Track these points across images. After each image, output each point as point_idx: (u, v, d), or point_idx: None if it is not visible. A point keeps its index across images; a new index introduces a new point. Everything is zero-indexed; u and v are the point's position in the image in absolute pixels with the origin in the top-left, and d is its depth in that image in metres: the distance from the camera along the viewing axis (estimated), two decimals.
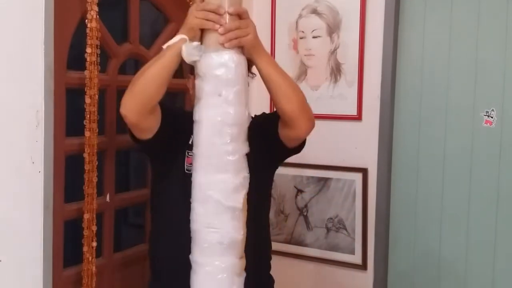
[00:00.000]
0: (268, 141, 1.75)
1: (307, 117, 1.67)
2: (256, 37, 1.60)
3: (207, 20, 1.54)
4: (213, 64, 1.56)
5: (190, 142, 1.74)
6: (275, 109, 1.75)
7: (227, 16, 1.55)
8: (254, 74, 1.79)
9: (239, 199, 1.61)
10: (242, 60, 1.59)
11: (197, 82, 1.60)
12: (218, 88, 1.56)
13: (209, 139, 1.58)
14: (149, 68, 1.58)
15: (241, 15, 1.58)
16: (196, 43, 1.55)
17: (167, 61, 1.57)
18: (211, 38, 1.56)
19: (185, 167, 1.77)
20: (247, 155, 1.64)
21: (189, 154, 1.73)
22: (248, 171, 1.63)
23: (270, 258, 2.00)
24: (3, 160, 1.60)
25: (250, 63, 1.67)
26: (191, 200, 1.62)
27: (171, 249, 1.77)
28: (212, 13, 1.54)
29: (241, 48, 1.59)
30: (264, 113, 1.98)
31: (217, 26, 1.54)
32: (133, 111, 1.58)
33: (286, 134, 1.72)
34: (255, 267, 1.73)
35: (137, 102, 1.58)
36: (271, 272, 2.05)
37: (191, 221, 1.61)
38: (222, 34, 1.54)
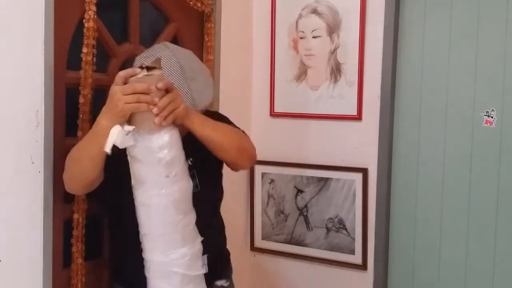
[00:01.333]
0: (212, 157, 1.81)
1: (246, 158, 1.86)
2: (185, 106, 1.61)
3: (139, 103, 1.52)
4: (154, 148, 1.56)
5: None
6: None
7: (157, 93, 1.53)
8: None
9: (201, 264, 1.70)
10: (177, 133, 1.62)
11: (135, 165, 1.59)
12: (165, 171, 1.58)
13: (163, 220, 1.62)
14: (80, 158, 1.62)
15: (168, 88, 1.57)
16: (128, 128, 1.53)
17: (96, 153, 1.57)
18: (144, 120, 1.54)
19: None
20: (199, 167, 1.79)
21: None
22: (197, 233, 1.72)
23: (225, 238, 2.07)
24: (3, 160, 1.60)
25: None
26: (148, 276, 1.68)
27: (130, 239, 1.77)
28: (143, 95, 1.52)
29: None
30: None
31: (151, 106, 1.53)
32: (78, 192, 1.76)
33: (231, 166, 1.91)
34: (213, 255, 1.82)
35: (78, 186, 1.70)
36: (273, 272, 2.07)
37: None
38: (157, 114, 1.53)
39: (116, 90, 1.53)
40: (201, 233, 1.74)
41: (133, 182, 1.63)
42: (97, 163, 1.61)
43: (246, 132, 1.96)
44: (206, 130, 1.70)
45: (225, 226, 2.06)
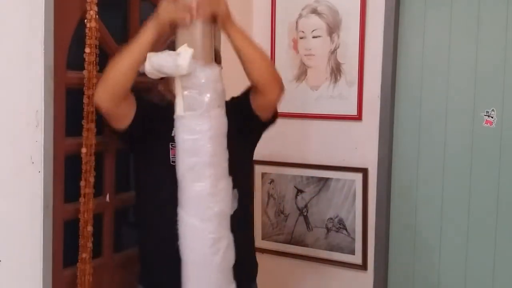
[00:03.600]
0: (243, 117, 1.83)
1: (277, 82, 1.80)
2: (227, 9, 1.70)
3: (181, 14, 1.65)
4: (212, 77, 1.66)
5: (172, 134, 1.77)
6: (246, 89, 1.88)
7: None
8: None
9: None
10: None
11: (188, 93, 1.65)
12: (218, 101, 1.67)
13: (217, 148, 1.68)
14: (120, 62, 1.70)
15: None
16: (190, 51, 1.62)
17: (135, 59, 1.68)
18: (201, 52, 1.66)
19: (170, 159, 1.81)
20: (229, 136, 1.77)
21: (173, 146, 1.78)
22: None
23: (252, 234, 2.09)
24: (3, 160, 1.60)
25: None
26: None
27: (159, 240, 1.82)
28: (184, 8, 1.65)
29: (215, 22, 1.69)
30: (233, 97, 1.99)
31: (188, 17, 1.64)
32: (104, 98, 1.71)
33: (259, 103, 1.84)
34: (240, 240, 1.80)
35: (107, 90, 1.70)
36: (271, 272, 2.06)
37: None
38: (194, 7, 1.63)
39: (162, 3, 1.69)
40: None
41: (181, 113, 1.66)
42: (133, 70, 1.69)
43: None
44: (244, 41, 1.74)
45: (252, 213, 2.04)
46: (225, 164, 1.71)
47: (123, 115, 1.76)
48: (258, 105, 1.84)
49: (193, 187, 1.67)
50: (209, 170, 1.66)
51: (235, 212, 1.75)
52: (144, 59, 1.68)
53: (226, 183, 1.71)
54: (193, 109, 1.65)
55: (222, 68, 1.92)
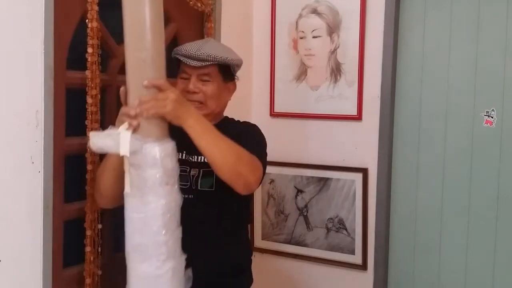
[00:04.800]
0: None
1: (240, 185, 1.68)
2: (175, 108, 1.57)
3: (121, 121, 1.58)
4: (159, 155, 1.56)
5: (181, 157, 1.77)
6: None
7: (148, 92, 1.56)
8: (237, 76, 1.90)
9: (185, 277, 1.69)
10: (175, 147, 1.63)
11: (135, 172, 1.58)
12: (166, 178, 1.58)
13: (165, 227, 1.60)
14: (103, 170, 1.73)
15: (160, 87, 1.57)
16: (135, 136, 1.55)
17: (115, 161, 1.65)
18: (150, 127, 1.57)
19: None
20: None
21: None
22: None
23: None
24: (3, 160, 1.60)
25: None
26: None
27: None
28: (124, 115, 1.58)
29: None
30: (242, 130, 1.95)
31: (137, 111, 1.56)
32: (104, 203, 1.81)
33: None
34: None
35: (102, 197, 1.78)
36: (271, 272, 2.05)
37: None
38: (138, 106, 1.55)
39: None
40: (207, 236, 1.74)
41: (128, 190, 1.60)
42: (116, 171, 1.67)
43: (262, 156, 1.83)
44: (201, 139, 1.62)
45: (246, 240, 2.02)
46: (175, 244, 1.63)
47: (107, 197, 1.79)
48: None
49: (139, 268, 1.61)
50: (155, 250, 1.58)
51: (213, 235, 1.77)
52: (120, 162, 1.63)
53: (175, 263, 1.62)
54: (138, 187, 1.58)
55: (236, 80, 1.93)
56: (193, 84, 1.83)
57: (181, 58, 1.83)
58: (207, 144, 1.63)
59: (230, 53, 1.91)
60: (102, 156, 1.88)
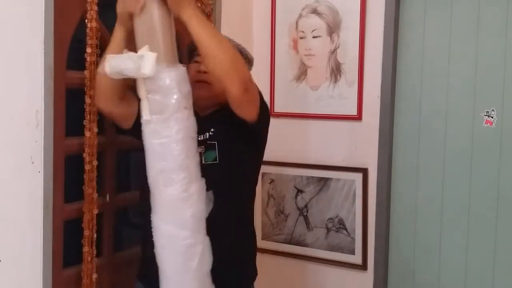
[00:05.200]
0: (233, 122, 1.75)
1: (236, 77, 1.62)
2: None
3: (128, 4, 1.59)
4: (177, 79, 1.58)
5: None
6: None
7: None
8: None
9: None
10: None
11: (153, 97, 1.59)
12: (184, 102, 1.61)
13: (186, 151, 1.62)
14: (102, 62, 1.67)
15: None
16: (154, 56, 1.56)
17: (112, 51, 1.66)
18: (165, 53, 1.58)
19: None
20: (221, 140, 1.75)
21: None
22: None
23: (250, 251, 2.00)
24: (3, 160, 1.60)
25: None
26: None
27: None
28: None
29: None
30: None
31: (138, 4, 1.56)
32: (100, 101, 1.76)
33: (229, 102, 1.70)
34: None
35: (100, 93, 1.74)
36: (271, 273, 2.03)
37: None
38: None
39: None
40: (212, 210, 1.71)
41: (148, 117, 1.61)
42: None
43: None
44: (200, 29, 1.58)
45: (250, 218, 2.00)
46: (196, 167, 1.66)
47: (125, 115, 1.78)
48: (231, 105, 1.71)
49: (164, 192, 1.63)
50: (179, 174, 1.62)
51: (217, 215, 1.73)
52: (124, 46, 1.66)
53: (198, 186, 1.66)
54: (159, 113, 1.60)
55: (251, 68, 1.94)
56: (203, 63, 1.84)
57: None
58: (205, 33, 1.60)
59: (243, 47, 1.94)
60: (100, 157, 1.89)
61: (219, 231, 1.77)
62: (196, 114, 1.70)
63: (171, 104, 1.58)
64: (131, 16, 1.62)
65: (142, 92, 1.61)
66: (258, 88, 1.81)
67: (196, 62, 1.87)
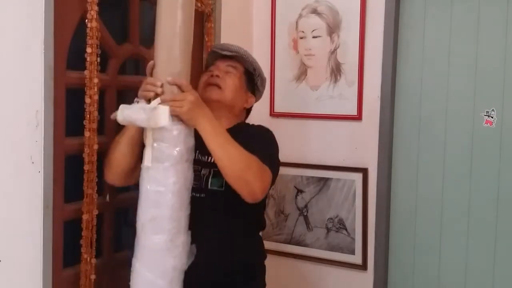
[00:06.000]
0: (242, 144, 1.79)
1: (245, 191, 1.70)
2: (191, 109, 1.66)
3: (146, 91, 1.69)
4: (185, 132, 1.68)
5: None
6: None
7: (167, 86, 1.68)
8: (259, 90, 2.07)
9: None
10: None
11: (159, 145, 1.66)
12: (186, 155, 1.69)
13: (180, 202, 1.68)
14: (118, 142, 1.79)
15: (180, 87, 1.67)
16: (168, 109, 1.65)
17: (132, 135, 1.76)
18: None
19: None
20: None
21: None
22: None
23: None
24: (2, 160, 1.60)
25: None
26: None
27: None
28: (149, 85, 1.69)
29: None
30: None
31: (151, 93, 1.67)
32: (113, 179, 1.86)
33: None
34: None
35: (114, 174, 1.83)
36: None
37: None
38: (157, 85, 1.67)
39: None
40: (212, 236, 1.75)
41: (149, 164, 1.67)
42: (132, 146, 1.75)
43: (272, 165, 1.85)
44: (211, 141, 1.68)
45: (258, 245, 1.99)
46: (186, 220, 1.71)
47: (135, 180, 1.82)
48: None
49: (152, 239, 1.67)
50: (169, 224, 1.66)
51: (220, 240, 1.79)
52: (138, 137, 1.73)
53: (184, 239, 1.71)
54: (160, 161, 1.66)
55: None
56: (217, 69, 1.92)
57: (216, 50, 1.95)
58: (216, 146, 1.68)
59: (259, 66, 2.04)
60: (100, 156, 1.89)
61: (224, 251, 1.79)
62: None
63: (174, 155, 1.65)
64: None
65: (148, 140, 1.68)
66: (273, 167, 1.86)
67: (210, 71, 1.94)
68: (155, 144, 1.66)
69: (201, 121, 1.67)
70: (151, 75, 1.73)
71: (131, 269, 1.73)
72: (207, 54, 2.03)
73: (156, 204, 1.67)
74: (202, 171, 1.84)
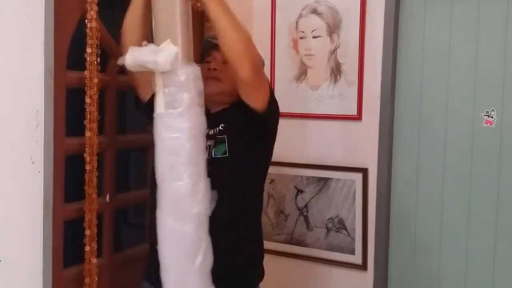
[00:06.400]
0: (243, 114, 1.80)
1: (247, 58, 1.68)
2: None
3: None
4: (193, 76, 1.63)
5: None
6: None
7: None
8: None
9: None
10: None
11: (169, 92, 1.62)
12: (199, 99, 1.65)
13: (197, 147, 1.64)
14: (125, 17, 1.76)
15: None
16: (176, 49, 1.60)
17: (138, 11, 1.73)
18: (183, 50, 1.62)
19: None
20: (231, 135, 1.77)
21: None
22: None
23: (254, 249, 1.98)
24: (3, 160, 1.60)
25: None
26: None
27: None
28: None
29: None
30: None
31: None
32: (126, 46, 1.73)
33: (238, 87, 1.77)
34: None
35: (125, 39, 1.76)
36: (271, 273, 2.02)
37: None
38: None
39: None
40: (218, 205, 1.71)
41: (162, 110, 1.63)
42: (137, 24, 1.74)
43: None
44: (218, 9, 1.65)
45: (258, 217, 1.98)
46: (204, 164, 1.68)
47: (147, 79, 1.77)
48: (240, 91, 1.78)
49: (173, 186, 1.64)
50: (189, 169, 1.63)
51: (224, 210, 1.74)
52: (143, 12, 1.71)
53: (204, 183, 1.67)
54: (173, 107, 1.62)
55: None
56: (214, 60, 1.91)
57: (209, 40, 1.92)
58: (221, 13, 1.65)
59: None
60: (100, 157, 1.89)
61: (225, 227, 1.78)
62: (207, 110, 1.73)
63: (186, 99, 1.61)
64: None
65: (158, 85, 1.63)
66: (268, 80, 1.87)
67: (207, 62, 1.92)
68: (166, 90, 1.62)
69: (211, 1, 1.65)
70: None
71: (156, 222, 1.68)
72: (201, 43, 1.97)
73: (173, 151, 1.63)
74: (207, 142, 1.83)
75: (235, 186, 1.84)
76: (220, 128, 1.86)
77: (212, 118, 1.79)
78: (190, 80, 1.62)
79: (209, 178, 1.68)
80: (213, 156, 1.84)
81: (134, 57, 1.60)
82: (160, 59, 1.57)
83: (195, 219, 1.64)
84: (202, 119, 1.67)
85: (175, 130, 1.61)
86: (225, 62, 1.88)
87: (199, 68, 1.68)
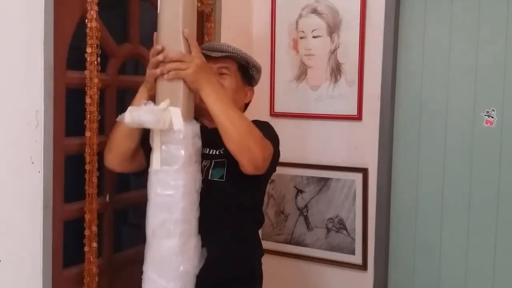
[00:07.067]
0: None
1: (246, 158, 1.64)
2: (197, 72, 1.62)
3: (153, 66, 1.64)
4: (193, 133, 1.64)
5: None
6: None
7: (175, 47, 1.61)
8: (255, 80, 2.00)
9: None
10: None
11: (166, 149, 1.62)
12: (195, 156, 1.66)
13: (190, 205, 1.66)
14: (119, 127, 1.74)
15: (191, 47, 1.63)
16: (179, 111, 1.61)
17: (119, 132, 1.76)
18: (181, 108, 1.63)
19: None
20: (231, 160, 1.71)
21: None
22: None
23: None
24: (2, 160, 1.60)
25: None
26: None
27: None
28: (153, 56, 1.64)
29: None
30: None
31: (159, 70, 1.62)
32: (112, 163, 1.83)
33: None
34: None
35: (113, 157, 1.81)
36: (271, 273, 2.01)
37: None
38: (161, 61, 1.62)
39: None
40: (211, 229, 1.72)
41: (157, 167, 1.63)
42: (133, 133, 1.73)
43: (274, 140, 1.86)
44: (214, 105, 1.63)
45: (256, 242, 1.96)
46: (196, 222, 1.68)
47: (136, 168, 1.83)
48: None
49: (163, 244, 1.64)
50: (181, 227, 1.63)
51: (219, 232, 1.77)
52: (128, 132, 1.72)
53: (195, 241, 1.68)
54: (169, 164, 1.62)
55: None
56: None
57: (204, 51, 1.85)
58: (220, 112, 1.63)
59: (250, 56, 1.97)
60: (100, 157, 1.89)
61: (223, 246, 1.78)
62: (202, 125, 1.74)
63: (183, 157, 1.62)
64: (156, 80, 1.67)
65: (156, 142, 1.64)
66: (273, 144, 1.83)
67: None
68: (163, 147, 1.62)
69: (205, 85, 1.63)
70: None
71: (142, 276, 1.69)
72: None
73: (166, 208, 1.63)
74: (203, 162, 1.82)
75: (230, 209, 1.82)
76: (221, 151, 1.80)
77: (209, 135, 1.74)
78: (189, 138, 1.63)
79: (199, 235, 1.69)
80: (209, 178, 1.80)
81: (133, 117, 1.60)
82: (161, 119, 1.57)
83: (182, 277, 1.65)
84: (198, 177, 1.68)
85: (170, 187, 1.62)
86: (222, 73, 1.87)
87: (198, 125, 1.68)
